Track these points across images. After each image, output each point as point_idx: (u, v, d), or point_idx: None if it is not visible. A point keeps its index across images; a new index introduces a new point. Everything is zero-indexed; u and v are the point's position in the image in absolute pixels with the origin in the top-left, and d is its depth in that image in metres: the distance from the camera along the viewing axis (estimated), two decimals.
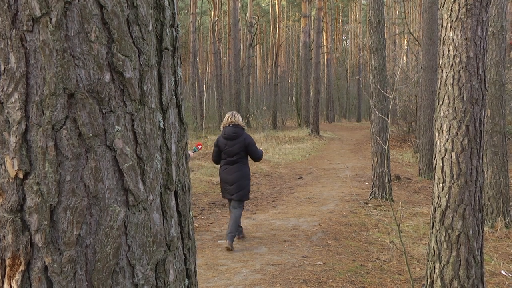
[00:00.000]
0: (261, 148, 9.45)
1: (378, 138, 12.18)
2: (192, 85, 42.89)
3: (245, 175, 8.69)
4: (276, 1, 49.40)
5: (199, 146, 9.59)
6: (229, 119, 8.77)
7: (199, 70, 53.47)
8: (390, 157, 17.00)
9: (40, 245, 1.45)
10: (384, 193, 12.37)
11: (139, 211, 1.57)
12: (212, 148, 8.70)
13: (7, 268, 1.48)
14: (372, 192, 12.68)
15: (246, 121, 37.21)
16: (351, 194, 13.14)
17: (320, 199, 12.85)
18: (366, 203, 11.99)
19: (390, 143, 24.27)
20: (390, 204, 5.89)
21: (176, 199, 1.76)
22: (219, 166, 9.08)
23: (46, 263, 1.46)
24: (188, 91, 44.32)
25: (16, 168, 1.45)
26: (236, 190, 8.58)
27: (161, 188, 1.67)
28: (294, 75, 57.87)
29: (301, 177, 16.84)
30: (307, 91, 34.70)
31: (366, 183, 15.14)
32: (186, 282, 1.80)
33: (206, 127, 35.34)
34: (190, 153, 8.98)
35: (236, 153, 8.62)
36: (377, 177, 12.49)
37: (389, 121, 6.34)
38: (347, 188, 14.29)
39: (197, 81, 42.83)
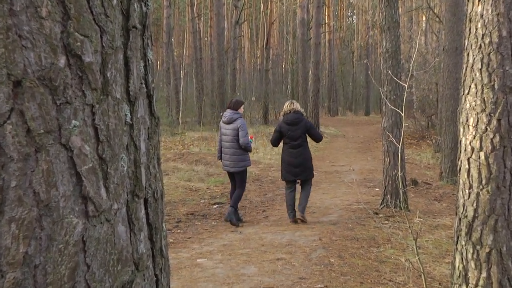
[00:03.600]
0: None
1: (390, 134, 12.18)
2: (166, 71, 42.83)
3: (308, 157, 11.45)
4: None
5: (252, 138, 12.48)
6: (289, 106, 11.46)
7: (175, 53, 53.40)
8: (406, 157, 17.03)
9: None
10: (398, 201, 12.39)
11: (101, 223, 1.55)
12: (273, 134, 11.92)
13: None
14: (383, 200, 12.71)
15: None
16: (358, 202, 13.16)
17: (321, 209, 12.88)
18: (376, 213, 12.02)
19: (405, 141, 24.32)
20: (405, 214, 5.91)
21: (146, 209, 1.75)
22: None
23: None
24: (162, 78, 44.27)
25: None
26: (303, 171, 11.33)
27: (127, 195, 1.66)
28: (289, 59, 57.86)
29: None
30: (305, 78, 34.71)
31: (376, 189, 15.18)
32: None
33: (183, 122, 35.30)
34: (253, 145, 11.87)
35: (299, 136, 11.27)
36: (390, 182, 12.52)
37: (403, 115, 6.35)
38: (353, 195, 14.32)
39: (172, 67, 42.79)
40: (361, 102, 64.44)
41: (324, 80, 59.96)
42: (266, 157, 22.70)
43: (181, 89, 37.30)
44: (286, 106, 11.56)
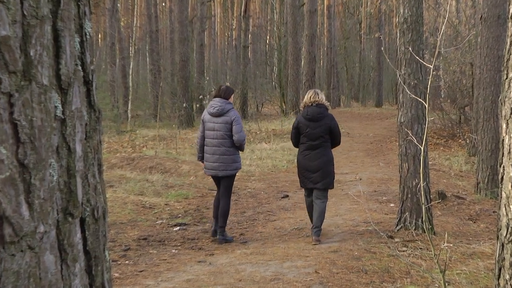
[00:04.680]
0: None
1: (409, 132, 12.19)
2: (111, 47, 42.78)
3: (329, 160, 11.87)
4: None
5: None
6: (312, 98, 11.81)
7: (122, 23, 53.28)
8: (430, 162, 17.07)
9: None
10: (419, 220, 12.40)
11: (22, 251, 1.54)
12: (288, 134, 12.54)
13: None
14: (400, 219, 12.72)
15: (198, 105, 37.08)
16: (366, 222, 13.18)
17: None
18: (391, 237, 12.04)
19: (429, 141, 24.39)
20: (430, 238, 5.93)
21: (82, 232, 1.74)
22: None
23: None
24: (104, 57, 44.20)
25: None
26: (321, 178, 11.69)
27: (58, 214, 1.65)
28: (275, 32, 57.93)
29: (287, 196, 16.90)
30: (296, 57, 34.75)
31: (391, 205, 15.24)
32: None
33: (134, 116, 35.22)
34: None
35: (319, 136, 11.68)
36: (409, 195, 12.53)
37: (427, 106, 6.37)
38: (361, 212, 14.35)
39: (118, 41, 42.69)
40: (371, 89, 64.40)
41: (322, 60, 60.07)
42: (245, 162, 22.68)
43: (130, 71, 37.22)
44: (309, 97, 11.90)
